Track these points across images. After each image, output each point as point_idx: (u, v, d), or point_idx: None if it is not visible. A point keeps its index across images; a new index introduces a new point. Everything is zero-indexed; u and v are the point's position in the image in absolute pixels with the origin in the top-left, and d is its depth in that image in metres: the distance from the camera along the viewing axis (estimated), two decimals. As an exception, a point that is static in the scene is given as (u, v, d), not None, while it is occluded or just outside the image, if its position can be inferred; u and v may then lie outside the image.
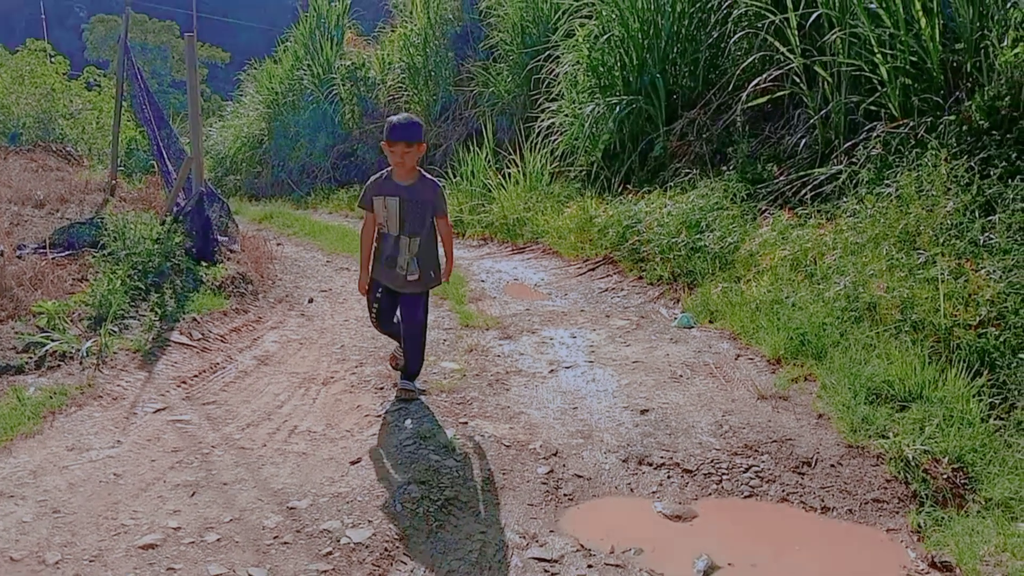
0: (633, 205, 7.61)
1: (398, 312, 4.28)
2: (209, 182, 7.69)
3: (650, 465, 3.58)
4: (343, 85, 15.92)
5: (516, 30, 11.94)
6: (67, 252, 6.23)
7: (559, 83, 10.15)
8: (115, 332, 4.94)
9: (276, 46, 19.07)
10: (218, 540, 2.90)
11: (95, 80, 16.38)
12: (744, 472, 3.50)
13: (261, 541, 2.90)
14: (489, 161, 10.81)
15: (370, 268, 4.23)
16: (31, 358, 4.48)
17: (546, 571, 2.80)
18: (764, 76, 7.18)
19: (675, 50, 8.94)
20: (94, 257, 5.93)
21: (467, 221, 10.31)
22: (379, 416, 4.11)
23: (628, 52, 9.02)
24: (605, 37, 9.20)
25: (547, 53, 10.53)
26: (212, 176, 17.81)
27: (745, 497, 3.35)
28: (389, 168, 4.05)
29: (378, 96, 15.66)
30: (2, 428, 3.68)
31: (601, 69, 9.38)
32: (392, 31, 16.09)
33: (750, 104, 7.39)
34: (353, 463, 3.55)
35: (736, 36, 7.82)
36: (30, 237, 6.68)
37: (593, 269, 7.32)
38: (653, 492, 3.38)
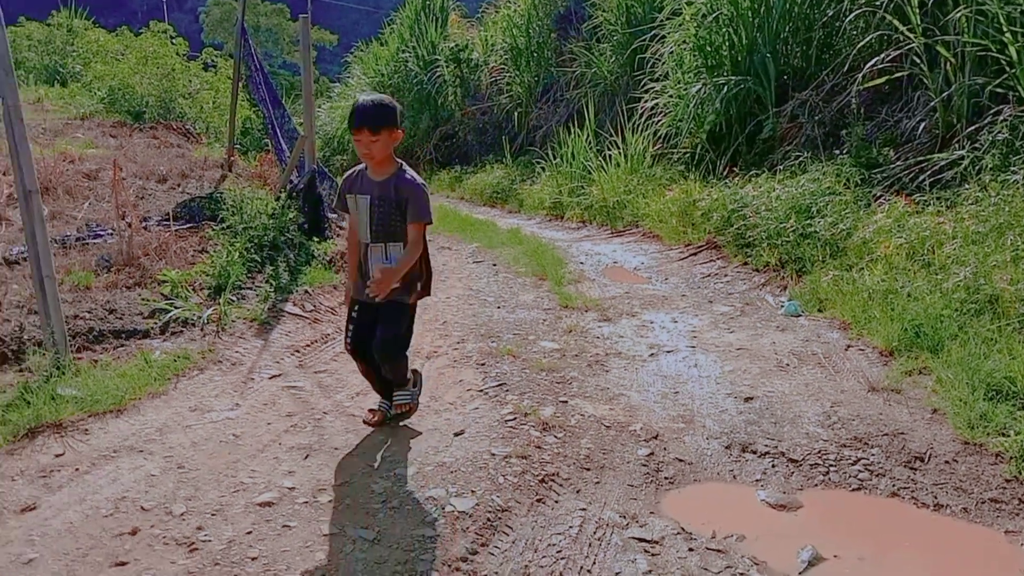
0: (739, 189, 7.44)
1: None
2: (319, 161, 7.95)
3: (754, 453, 3.52)
4: (446, 67, 16.11)
5: (620, 10, 11.81)
6: (188, 225, 6.58)
7: (664, 63, 9.99)
8: (233, 301, 5.20)
9: (382, 28, 19.43)
10: (330, 501, 3.03)
11: (212, 61, 17.09)
12: (853, 464, 3.40)
13: (370, 505, 3.02)
14: (590, 143, 10.75)
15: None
16: (156, 323, 4.76)
17: (646, 551, 2.81)
18: (882, 56, 6.89)
19: (787, 29, 8.67)
20: (213, 230, 6.24)
21: (566, 203, 10.31)
22: (481, 391, 4.19)
23: (737, 31, 8.80)
24: (713, 16, 9.00)
25: (652, 32, 10.37)
26: (320, 156, 18.34)
27: (853, 490, 3.26)
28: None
29: (480, 78, 15.79)
30: (132, 387, 3.94)
31: (708, 49, 9.18)
32: (496, 12, 16.16)
33: (866, 85, 7.11)
34: (456, 435, 3.64)
35: (852, 15, 7.52)
36: (154, 210, 7.08)
37: (695, 254, 7.21)
38: (756, 480, 3.33)
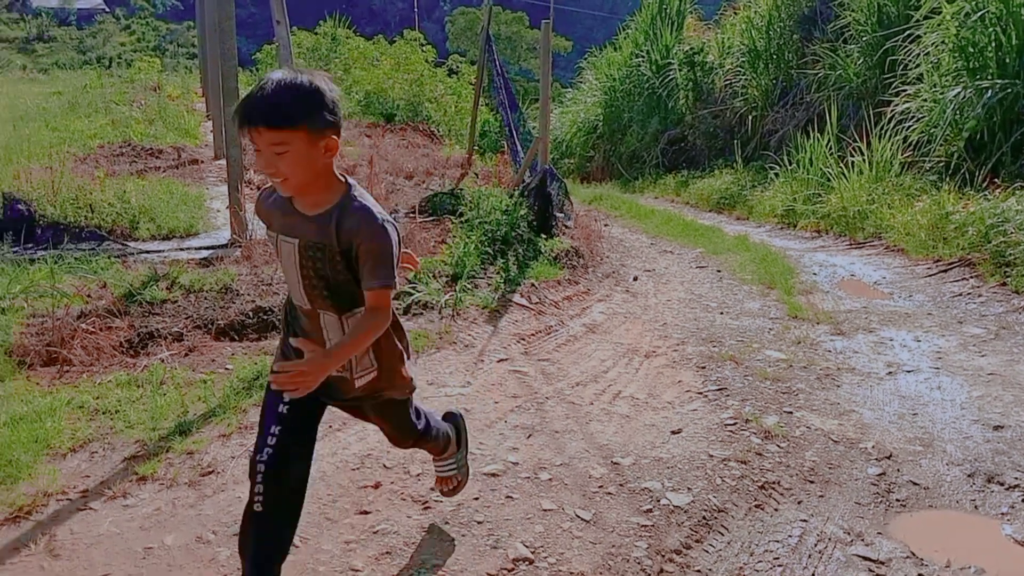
0: (1000, 202, 6.75)
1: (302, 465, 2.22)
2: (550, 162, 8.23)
3: (1001, 484, 3.23)
4: (680, 71, 15.95)
5: (871, 9, 11.10)
6: (431, 217, 7.10)
7: (918, 65, 9.27)
8: (467, 289, 5.56)
9: (616, 33, 19.61)
10: (549, 479, 3.18)
11: (456, 67, 18.18)
12: (1125, 511, 3.02)
13: (587, 488, 3.13)
14: (830, 148, 10.20)
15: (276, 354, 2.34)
16: (401, 304, 5.20)
17: (871, 571, 2.68)
18: None
19: (1071, 26, 7.73)
20: (453, 223, 6.70)
21: (799, 211, 9.87)
22: (700, 393, 4.18)
23: (1006, 30, 7.98)
24: (978, 15, 8.23)
25: (907, 33, 9.65)
26: (550, 158, 18.85)
27: (1124, 539, 2.90)
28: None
29: (714, 81, 15.48)
30: (378, 360, 4.34)
31: (971, 50, 8.41)
32: (735, 15, 15.77)
33: None
34: (674, 432, 3.66)
35: None
36: (402, 203, 7.70)
37: (945, 271, 6.64)
38: (1002, 514, 3.05)
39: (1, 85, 16.48)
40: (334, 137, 1.94)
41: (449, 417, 2.82)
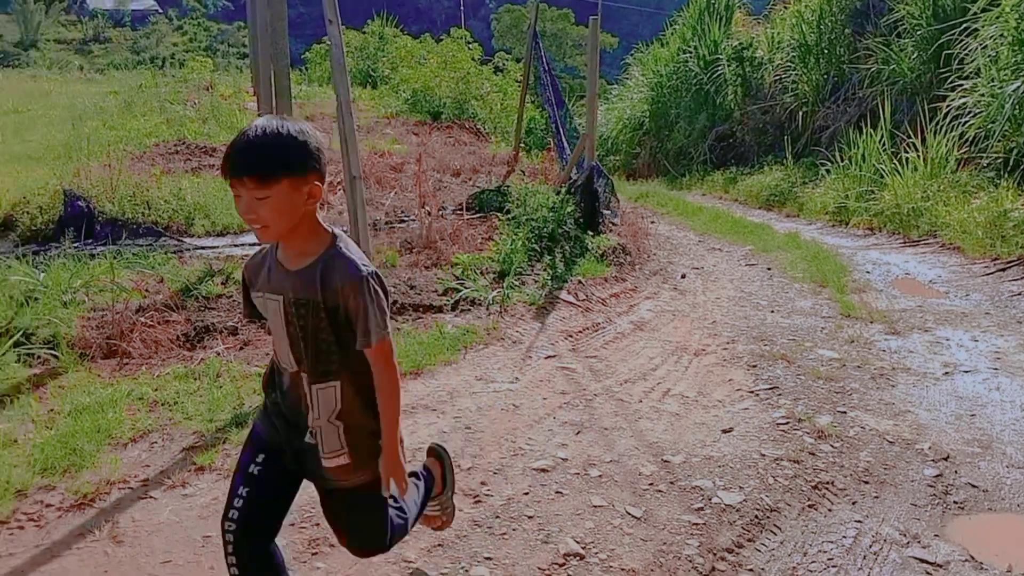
0: (1064, 199, 6.55)
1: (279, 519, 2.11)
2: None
3: (1066, 489, 3.14)
4: (728, 66, 15.76)
5: (926, 2, 10.84)
6: (478, 214, 7.13)
7: (975, 59, 9.02)
8: (515, 285, 5.58)
9: (663, 30, 19.43)
10: (599, 476, 3.18)
11: (503, 64, 18.19)
12: None
13: (637, 485, 3.12)
14: (884, 144, 9.99)
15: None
16: (448, 301, 5.24)
17: (928, 574, 2.63)
18: None
19: None
20: (500, 220, 6.72)
21: (852, 208, 9.68)
22: (751, 392, 4.13)
23: (1073, 21, 7.73)
24: (1042, 6, 7.98)
25: (963, 26, 9.40)
26: (597, 155, 18.72)
27: None
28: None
29: (763, 76, 15.26)
30: (428, 354, 4.39)
31: (1033, 43, 8.16)
32: (784, 9, 15.52)
33: None
34: (725, 431, 3.64)
35: None
36: (449, 200, 7.74)
37: (1004, 269, 6.47)
38: (1067, 519, 2.97)
39: (60, 85, 16.96)
40: (317, 184, 1.87)
41: (432, 453, 2.63)
